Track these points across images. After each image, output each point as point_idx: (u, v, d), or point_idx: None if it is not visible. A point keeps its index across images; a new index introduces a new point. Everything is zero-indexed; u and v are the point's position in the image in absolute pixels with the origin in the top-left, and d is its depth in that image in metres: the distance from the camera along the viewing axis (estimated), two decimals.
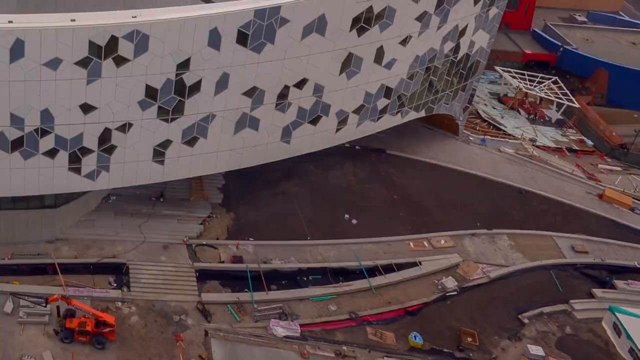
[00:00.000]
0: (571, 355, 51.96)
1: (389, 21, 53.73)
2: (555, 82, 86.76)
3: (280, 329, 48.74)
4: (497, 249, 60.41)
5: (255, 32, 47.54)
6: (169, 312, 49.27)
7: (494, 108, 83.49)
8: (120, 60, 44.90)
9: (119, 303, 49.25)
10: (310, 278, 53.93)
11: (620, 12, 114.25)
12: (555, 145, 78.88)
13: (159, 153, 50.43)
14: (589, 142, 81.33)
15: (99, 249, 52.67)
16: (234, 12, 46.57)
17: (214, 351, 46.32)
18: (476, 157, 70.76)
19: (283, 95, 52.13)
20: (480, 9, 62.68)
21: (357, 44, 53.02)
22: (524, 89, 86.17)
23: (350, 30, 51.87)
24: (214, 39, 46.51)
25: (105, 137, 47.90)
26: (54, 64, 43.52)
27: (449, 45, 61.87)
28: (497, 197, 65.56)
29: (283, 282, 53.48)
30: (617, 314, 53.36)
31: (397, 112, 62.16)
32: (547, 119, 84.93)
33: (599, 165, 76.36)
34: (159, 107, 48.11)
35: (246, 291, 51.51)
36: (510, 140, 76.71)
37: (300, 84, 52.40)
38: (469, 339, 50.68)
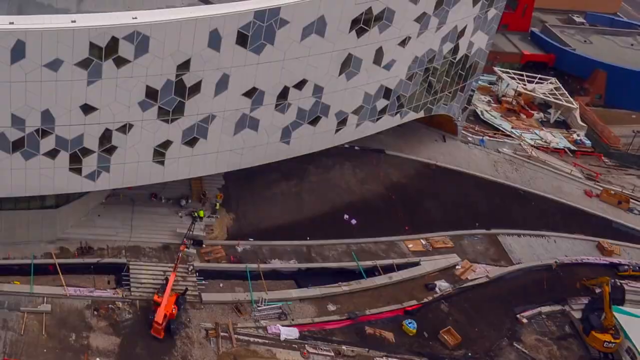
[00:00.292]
0: (569, 354, 52.28)
1: (388, 22, 53.93)
2: (553, 83, 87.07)
3: (280, 330, 48.95)
4: (495, 249, 60.66)
5: (255, 33, 47.71)
6: None
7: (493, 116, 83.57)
8: (120, 61, 45.00)
9: (120, 303, 49.43)
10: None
11: (619, 14, 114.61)
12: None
13: (159, 154, 50.60)
14: (587, 142, 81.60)
15: (99, 249, 52.80)
16: (234, 13, 46.70)
17: None
18: (475, 158, 71.02)
19: (283, 96, 52.32)
20: (479, 10, 62.93)
21: (356, 45, 53.21)
22: (521, 90, 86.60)
23: (350, 32, 52.07)
24: (214, 40, 46.67)
25: (105, 137, 48.02)
26: (55, 65, 43.60)
27: (448, 46, 62.10)
28: (496, 197, 65.82)
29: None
30: (615, 313, 53.62)
31: (396, 113, 62.37)
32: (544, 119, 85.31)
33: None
34: (159, 108, 48.23)
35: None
36: (509, 141, 76.98)
37: (300, 85, 52.59)
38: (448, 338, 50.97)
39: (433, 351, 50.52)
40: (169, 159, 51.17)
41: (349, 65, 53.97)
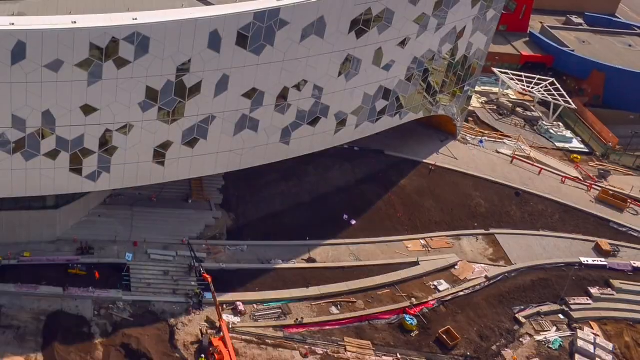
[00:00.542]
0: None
1: (387, 23, 54.11)
2: (552, 84, 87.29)
3: None
4: (493, 249, 60.85)
5: (255, 34, 47.87)
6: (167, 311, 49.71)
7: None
8: (121, 62, 45.12)
9: (120, 303, 49.55)
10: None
11: (617, 14, 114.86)
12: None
13: (160, 154, 50.73)
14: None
15: (99, 249, 52.93)
16: (234, 15, 46.86)
17: None
18: (474, 158, 71.23)
19: (282, 96, 52.49)
20: (478, 11, 63.15)
21: (355, 46, 53.41)
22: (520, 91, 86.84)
23: (349, 33, 52.25)
24: (214, 41, 46.82)
25: (106, 138, 48.15)
26: (55, 65, 43.73)
27: (447, 47, 62.32)
28: (495, 197, 66.01)
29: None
30: None
31: (396, 114, 62.56)
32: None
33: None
34: (160, 109, 48.37)
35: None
36: (508, 142, 77.18)
37: (300, 86, 52.77)
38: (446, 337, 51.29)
39: (432, 351, 50.67)
40: (169, 160, 51.31)
41: (348, 66, 54.15)
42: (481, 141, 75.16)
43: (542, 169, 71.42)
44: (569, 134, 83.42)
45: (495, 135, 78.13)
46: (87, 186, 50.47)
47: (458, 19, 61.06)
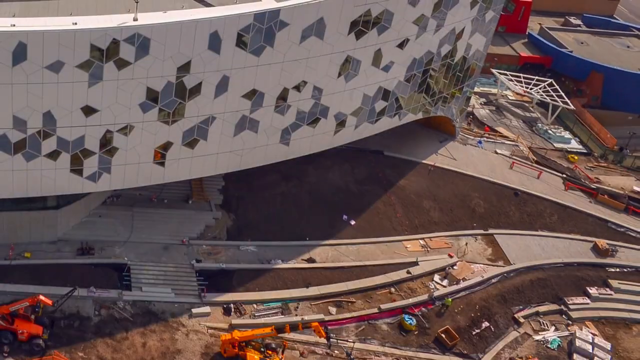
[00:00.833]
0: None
1: (386, 24, 54.35)
2: (550, 85, 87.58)
3: None
4: (492, 249, 61.08)
5: (255, 36, 48.09)
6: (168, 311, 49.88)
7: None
8: (121, 63, 45.31)
9: (120, 303, 49.74)
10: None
11: (615, 16, 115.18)
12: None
13: (160, 155, 50.90)
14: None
15: (100, 250, 53.12)
16: (234, 16, 47.09)
17: None
18: (473, 159, 71.47)
19: (282, 97, 52.71)
20: (477, 13, 63.41)
21: (355, 47, 53.65)
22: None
23: (349, 34, 52.49)
24: (214, 42, 47.03)
25: (106, 139, 48.35)
26: (56, 66, 43.92)
27: (446, 48, 62.56)
28: (494, 198, 66.25)
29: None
30: None
31: (395, 115, 62.80)
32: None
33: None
34: (160, 110, 48.58)
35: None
36: (507, 142, 77.42)
37: (299, 87, 52.98)
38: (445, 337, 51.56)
39: (431, 350, 50.93)
40: (170, 160, 51.50)
41: (347, 67, 54.38)
42: (480, 142, 75.42)
43: (541, 171, 71.60)
44: (567, 134, 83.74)
45: (494, 136, 78.38)
46: (87, 187, 50.65)
47: (457, 20, 61.32)
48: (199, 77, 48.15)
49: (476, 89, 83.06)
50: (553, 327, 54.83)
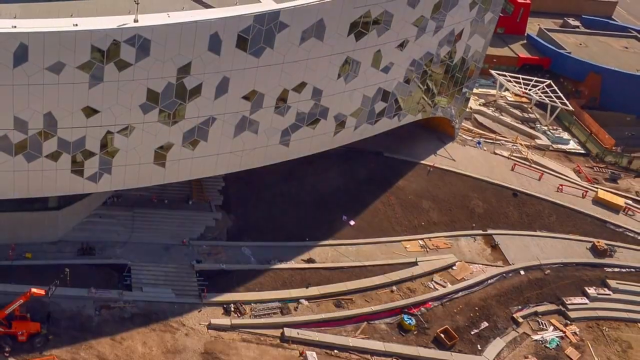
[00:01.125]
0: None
1: (386, 26, 54.54)
2: (549, 86, 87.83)
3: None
4: (491, 249, 61.28)
5: (255, 37, 48.24)
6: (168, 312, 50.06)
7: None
8: (122, 65, 45.42)
9: (121, 303, 49.89)
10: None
11: (613, 17, 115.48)
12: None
13: (160, 155, 51.08)
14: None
15: (100, 250, 53.27)
16: (234, 17, 47.24)
17: None
18: (472, 159, 71.67)
19: (282, 98, 52.88)
20: (476, 14, 63.64)
21: (355, 48, 53.83)
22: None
23: (348, 35, 52.67)
24: (215, 44, 47.17)
25: (107, 140, 48.47)
26: (57, 68, 44.02)
27: (445, 49, 62.78)
28: (493, 198, 66.46)
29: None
30: None
31: (394, 116, 62.99)
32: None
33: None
34: (160, 111, 48.70)
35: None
36: (506, 143, 77.64)
37: (299, 88, 53.14)
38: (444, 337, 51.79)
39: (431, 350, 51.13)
40: (170, 161, 51.64)
41: (347, 68, 54.54)
42: (479, 142, 75.64)
43: (542, 173, 71.70)
44: (565, 135, 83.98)
45: (493, 137, 78.60)
46: (88, 187, 50.75)
47: (456, 22, 61.53)
48: (199, 78, 48.28)
49: (475, 90, 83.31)
50: (552, 327, 55.02)
